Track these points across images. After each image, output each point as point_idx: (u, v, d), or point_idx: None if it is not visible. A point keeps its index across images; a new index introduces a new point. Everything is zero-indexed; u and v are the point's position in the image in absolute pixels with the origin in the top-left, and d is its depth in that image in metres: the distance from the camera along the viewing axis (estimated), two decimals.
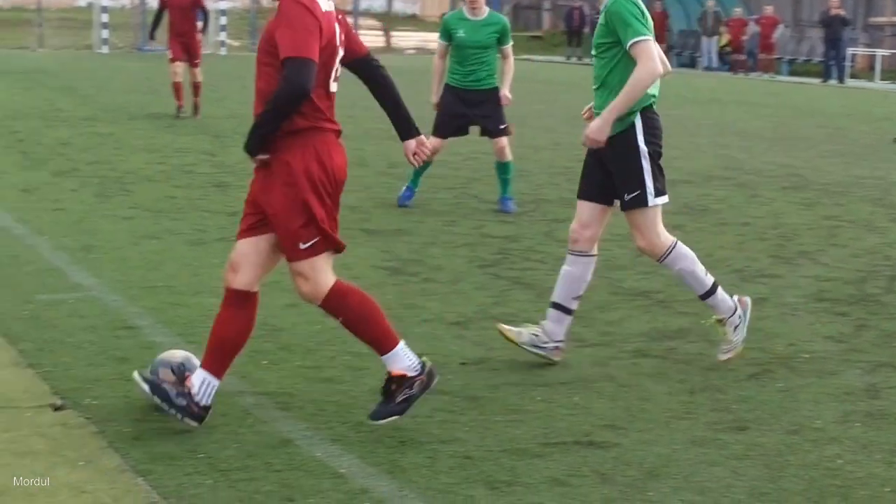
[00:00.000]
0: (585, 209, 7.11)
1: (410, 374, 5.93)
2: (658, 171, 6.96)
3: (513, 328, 7.23)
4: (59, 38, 49.29)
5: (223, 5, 47.31)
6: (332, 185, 5.82)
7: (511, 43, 12.49)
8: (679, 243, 7.09)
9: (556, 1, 58.32)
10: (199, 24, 20.99)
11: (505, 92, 12.43)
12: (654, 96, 6.99)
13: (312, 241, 5.79)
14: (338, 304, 5.94)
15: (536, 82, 32.07)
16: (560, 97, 28.94)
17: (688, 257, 7.09)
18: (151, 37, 22.18)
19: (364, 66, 6.11)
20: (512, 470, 5.50)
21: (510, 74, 12.61)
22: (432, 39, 53.22)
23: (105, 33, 43.65)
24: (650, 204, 6.92)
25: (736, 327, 7.23)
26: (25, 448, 5.57)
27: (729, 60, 45.25)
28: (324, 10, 5.76)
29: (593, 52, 7.07)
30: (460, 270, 9.62)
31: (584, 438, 5.92)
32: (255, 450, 5.63)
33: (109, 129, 18.94)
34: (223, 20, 47.40)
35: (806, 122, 24.57)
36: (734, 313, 7.23)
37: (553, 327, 7.14)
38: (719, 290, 7.21)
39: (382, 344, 5.96)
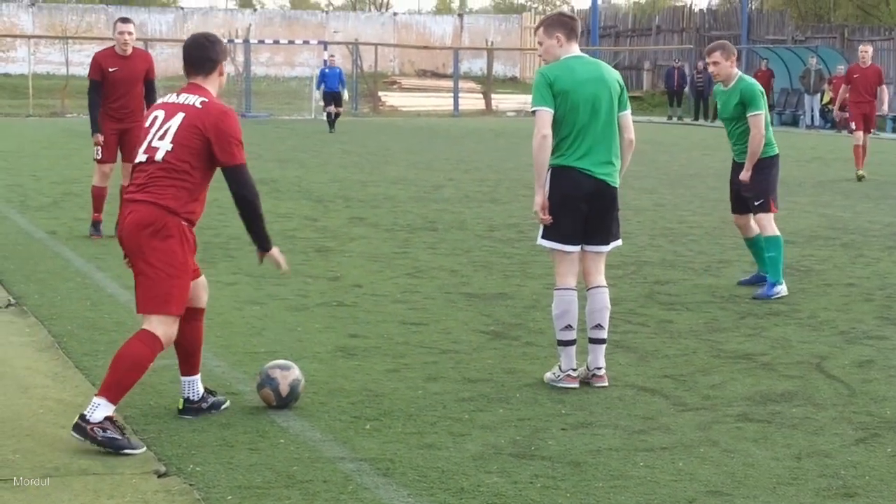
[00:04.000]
0: None
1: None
2: (557, 219, 7.83)
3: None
4: None
5: None
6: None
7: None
8: (568, 293, 7.91)
9: (657, 61, 58.31)
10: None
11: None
12: (576, 158, 7.86)
13: None
14: None
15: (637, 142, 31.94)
16: (658, 157, 28.83)
17: (563, 305, 7.91)
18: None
19: None
20: None
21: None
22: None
23: None
24: (537, 241, 8.02)
25: (559, 376, 7.96)
26: None
27: (831, 118, 44.87)
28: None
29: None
30: None
31: None
32: None
33: (213, 196, 19.16)
34: None
35: None
36: (565, 371, 7.92)
37: (589, 358, 8.06)
38: (571, 350, 7.92)
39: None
